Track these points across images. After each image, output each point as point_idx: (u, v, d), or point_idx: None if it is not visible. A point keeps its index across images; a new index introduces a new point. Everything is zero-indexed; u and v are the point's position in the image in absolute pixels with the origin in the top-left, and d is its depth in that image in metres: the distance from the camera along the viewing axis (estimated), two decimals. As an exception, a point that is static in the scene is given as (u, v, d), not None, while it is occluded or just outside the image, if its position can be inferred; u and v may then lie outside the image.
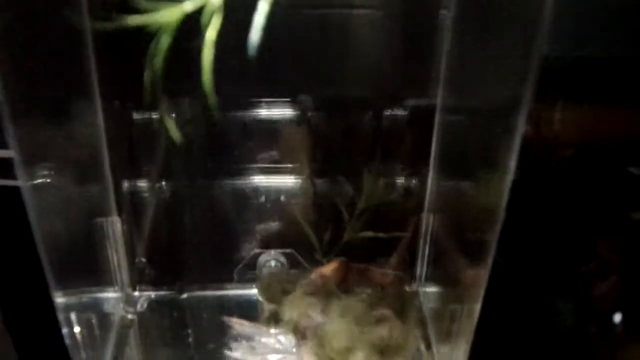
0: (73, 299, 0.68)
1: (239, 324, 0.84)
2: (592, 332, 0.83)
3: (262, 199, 0.89)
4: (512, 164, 0.54)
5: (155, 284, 0.92)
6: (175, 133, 0.70)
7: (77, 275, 0.70)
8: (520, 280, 0.84)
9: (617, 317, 0.83)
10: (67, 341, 0.66)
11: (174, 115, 0.82)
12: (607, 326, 0.83)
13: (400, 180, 0.89)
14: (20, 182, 0.56)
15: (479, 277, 0.62)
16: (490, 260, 0.60)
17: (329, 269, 0.86)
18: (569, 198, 0.83)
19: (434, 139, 0.82)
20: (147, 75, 0.59)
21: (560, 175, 0.83)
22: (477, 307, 0.64)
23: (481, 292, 0.63)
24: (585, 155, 0.83)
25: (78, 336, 0.69)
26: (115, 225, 0.83)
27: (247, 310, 0.87)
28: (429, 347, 0.82)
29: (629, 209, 0.83)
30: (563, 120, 0.82)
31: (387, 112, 0.85)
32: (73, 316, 0.67)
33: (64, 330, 0.66)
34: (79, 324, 0.69)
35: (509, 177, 0.55)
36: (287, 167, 0.88)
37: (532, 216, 0.82)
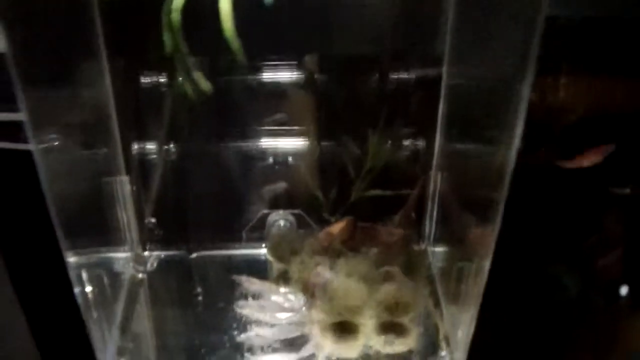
0: (84, 259, 0.68)
1: (247, 282, 0.85)
2: (596, 303, 0.84)
3: (270, 160, 0.89)
4: (520, 123, 0.54)
5: (165, 244, 0.92)
6: (205, 84, 0.73)
7: (87, 235, 0.71)
8: (525, 252, 0.84)
9: (622, 289, 0.84)
10: (79, 300, 0.67)
11: (180, 79, 0.81)
12: (612, 297, 0.84)
13: (407, 142, 0.89)
14: (31, 145, 0.57)
15: (488, 234, 0.62)
16: (499, 218, 0.60)
17: (336, 227, 0.86)
18: (572, 169, 0.83)
19: (442, 99, 0.82)
20: (166, 35, 0.58)
21: (564, 143, 0.82)
22: (487, 265, 0.64)
23: (490, 250, 0.62)
24: (589, 122, 0.83)
25: (90, 295, 0.69)
26: (124, 184, 0.83)
27: (256, 270, 0.87)
28: (437, 305, 0.82)
29: (633, 180, 0.84)
30: (568, 84, 0.82)
31: (394, 74, 0.84)
32: (84, 275, 0.68)
33: (76, 290, 0.67)
34: (90, 283, 0.70)
35: (518, 135, 0.55)
36: (294, 130, 0.88)
37: (535, 188, 0.82)
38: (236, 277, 0.85)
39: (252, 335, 0.78)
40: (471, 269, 0.70)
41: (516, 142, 0.55)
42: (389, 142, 0.87)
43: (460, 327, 0.74)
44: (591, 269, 0.84)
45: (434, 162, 0.87)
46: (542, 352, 0.84)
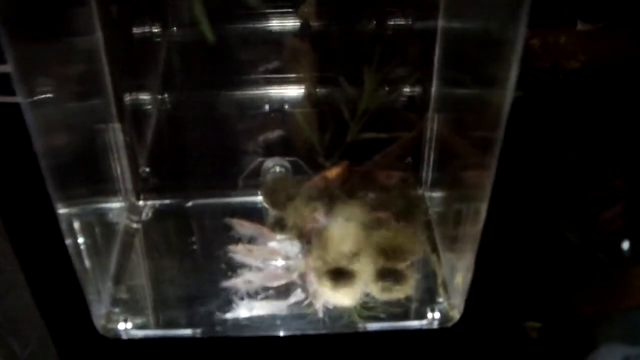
0: (77, 209, 0.68)
1: (239, 225, 0.84)
2: (599, 257, 0.84)
3: (266, 108, 0.88)
4: (515, 65, 0.54)
5: (160, 193, 0.92)
6: (209, 33, 0.74)
7: (80, 185, 0.71)
8: (524, 198, 0.84)
9: (624, 243, 0.84)
10: (71, 251, 0.67)
11: (175, 28, 0.83)
12: (614, 251, 0.84)
13: (403, 84, 0.88)
14: (19, 97, 0.56)
15: (485, 177, 0.61)
16: (495, 160, 0.59)
17: (332, 172, 0.85)
18: (574, 118, 0.82)
19: (438, 40, 0.80)
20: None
21: (566, 90, 0.81)
22: (484, 208, 0.63)
23: (487, 193, 0.62)
24: (593, 69, 0.82)
25: (83, 246, 0.69)
26: (117, 134, 0.82)
27: (253, 217, 0.86)
28: (434, 251, 0.81)
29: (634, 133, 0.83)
30: (570, 30, 0.81)
31: (390, 19, 0.84)
32: (77, 226, 0.68)
33: (68, 241, 0.66)
34: (83, 233, 0.69)
35: (514, 77, 0.54)
36: (290, 77, 0.87)
37: (536, 140, 0.82)
38: (228, 220, 0.84)
39: (243, 280, 0.77)
40: (468, 213, 0.69)
41: (512, 82, 0.54)
42: (384, 84, 0.86)
43: (457, 273, 0.74)
44: (593, 225, 0.85)
45: (431, 104, 0.85)
46: (540, 298, 0.85)
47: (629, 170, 0.85)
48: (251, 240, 0.81)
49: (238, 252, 0.80)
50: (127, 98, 0.85)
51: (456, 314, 0.74)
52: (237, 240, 0.81)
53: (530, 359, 0.84)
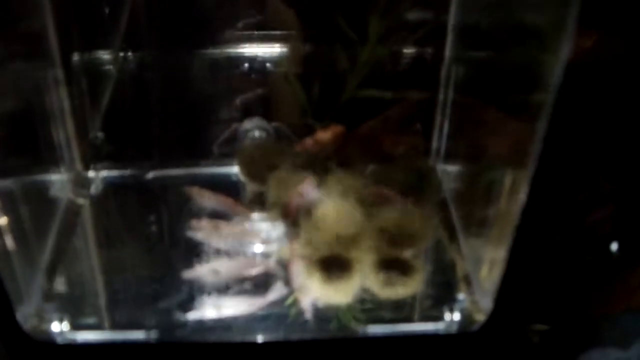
0: (5, 182, 0.63)
1: (200, 195, 0.77)
2: (588, 259, 0.82)
3: (244, 67, 0.84)
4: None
5: (115, 162, 0.84)
6: None
7: (10, 154, 0.65)
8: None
9: (613, 245, 0.83)
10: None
11: None
12: (603, 253, 0.83)
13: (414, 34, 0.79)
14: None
15: (528, 142, 0.54)
16: (543, 121, 0.52)
17: (325, 134, 0.79)
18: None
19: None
20: None
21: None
22: (525, 177, 0.55)
23: (532, 161, 0.54)
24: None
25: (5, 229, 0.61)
26: (61, 94, 0.75)
27: (229, 192, 0.79)
28: (452, 236, 0.74)
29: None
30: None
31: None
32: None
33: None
34: (8, 210, 0.61)
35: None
36: (274, 34, 0.83)
37: None
38: (187, 189, 0.77)
39: (209, 270, 0.69)
40: (502, 188, 0.61)
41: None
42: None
43: (484, 264, 0.66)
44: (582, 227, 0.84)
45: (446, 56, 0.77)
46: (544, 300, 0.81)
47: (617, 172, 0.85)
48: (217, 215, 0.75)
49: (201, 230, 0.72)
50: (79, 57, 0.80)
51: (481, 316, 0.66)
52: (197, 211, 0.75)
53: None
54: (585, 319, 0.77)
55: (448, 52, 0.78)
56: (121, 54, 0.83)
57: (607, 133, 0.84)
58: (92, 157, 0.83)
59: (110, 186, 0.83)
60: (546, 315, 0.78)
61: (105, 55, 0.83)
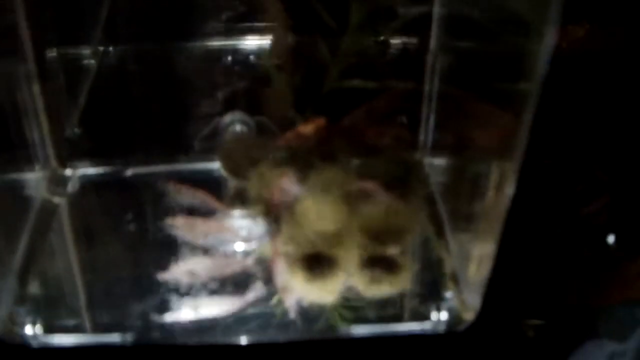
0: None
1: (176, 191, 0.75)
2: (583, 251, 0.81)
3: (227, 60, 0.83)
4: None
5: (93, 159, 0.82)
6: None
7: None
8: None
9: (610, 237, 0.82)
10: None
11: None
12: (599, 245, 0.82)
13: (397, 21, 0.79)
14: None
15: (517, 129, 0.51)
16: (530, 111, 0.50)
17: (308, 127, 0.77)
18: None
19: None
20: None
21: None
22: (512, 169, 0.53)
23: (518, 150, 0.52)
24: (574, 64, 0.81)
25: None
26: (33, 90, 0.74)
27: (211, 189, 0.77)
28: (440, 232, 0.73)
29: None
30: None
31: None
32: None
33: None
34: None
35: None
36: (257, 26, 0.83)
37: None
38: (163, 184, 0.76)
39: (184, 271, 0.67)
40: (489, 181, 0.59)
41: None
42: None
43: (472, 261, 0.64)
44: (578, 219, 0.84)
45: (432, 42, 0.75)
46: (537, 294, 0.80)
47: (613, 163, 0.85)
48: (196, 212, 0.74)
49: (179, 228, 0.71)
50: (56, 52, 0.79)
51: (470, 315, 0.65)
52: (174, 207, 0.74)
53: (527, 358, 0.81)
54: (581, 312, 0.77)
55: (433, 41, 0.76)
56: (100, 48, 0.83)
57: (602, 124, 0.84)
58: (69, 154, 0.81)
59: (88, 184, 0.81)
60: (541, 310, 0.78)
61: (84, 49, 0.83)
